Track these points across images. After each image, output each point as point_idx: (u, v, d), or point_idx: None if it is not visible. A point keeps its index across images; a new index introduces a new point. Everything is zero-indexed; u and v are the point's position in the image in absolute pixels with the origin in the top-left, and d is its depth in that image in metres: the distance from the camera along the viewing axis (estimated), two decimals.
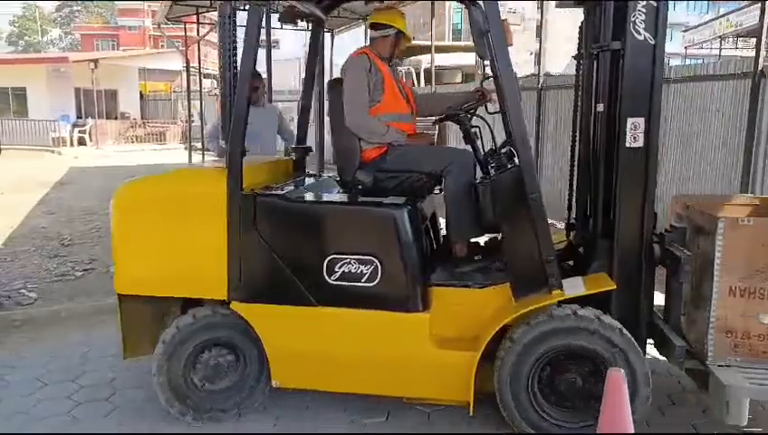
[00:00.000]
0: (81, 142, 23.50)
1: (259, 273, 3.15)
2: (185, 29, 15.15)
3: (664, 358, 3.24)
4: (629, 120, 3.05)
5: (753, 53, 5.96)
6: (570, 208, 3.73)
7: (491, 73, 3.14)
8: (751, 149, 5.61)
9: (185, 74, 18.20)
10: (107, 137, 24.46)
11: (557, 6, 3.72)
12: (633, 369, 2.88)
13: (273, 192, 3.23)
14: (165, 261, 3.18)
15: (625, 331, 2.93)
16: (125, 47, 47.05)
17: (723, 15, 22.83)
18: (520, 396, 3.02)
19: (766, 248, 2.84)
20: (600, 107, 3.25)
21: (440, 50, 14.81)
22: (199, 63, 14.89)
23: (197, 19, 13.44)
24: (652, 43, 3.00)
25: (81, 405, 3.49)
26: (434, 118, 4.02)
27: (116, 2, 54.67)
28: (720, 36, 22.57)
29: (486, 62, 3.10)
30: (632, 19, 2.99)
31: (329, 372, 3.21)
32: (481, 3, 3.01)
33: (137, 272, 3.22)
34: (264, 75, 7.14)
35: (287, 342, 3.18)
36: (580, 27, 3.48)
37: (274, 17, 4.54)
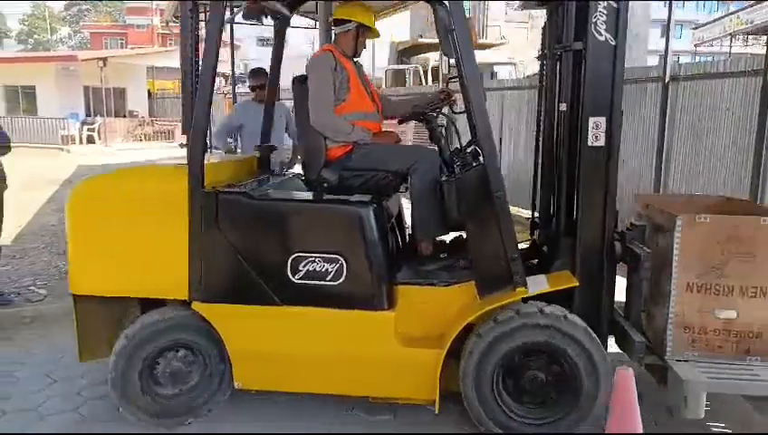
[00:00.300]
0: (90, 140, 23.64)
1: (221, 272, 3.15)
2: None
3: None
4: (591, 120, 3.08)
5: (763, 51, 5.92)
6: (533, 207, 3.77)
7: (456, 73, 3.17)
8: (761, 151, 5.54)
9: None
10: (116, 135, 24.61)
11: (522, 8, 3.77)
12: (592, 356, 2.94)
13: (236, 190, 3.22)
14: (123, 261, 3.16)
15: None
16: (133, 45, 47.11)
17: (733, 13, 22.65)
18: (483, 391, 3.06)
19: (721, 245, 2.88)
20: (563, 106, 3.29)
21: None
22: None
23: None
24: (613, 43, 3.03)
25: (90, 401, 3.52)
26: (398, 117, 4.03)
27: (124, 0, 55.04)
28: (731, 34, 22.38)
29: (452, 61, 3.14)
30: (593, 20, 3.02)
31: (293, 372, 3.21)
32: (447, 2, 3.04)
33: (93, 272, 3.20)
34: None
35: (250, 342, 3.17)
36: (544, 27, 3.52)
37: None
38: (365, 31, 3.59)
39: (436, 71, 14.10)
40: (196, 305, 3.15)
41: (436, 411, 3.10)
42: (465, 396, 3.06)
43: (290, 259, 3.11)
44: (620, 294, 3.27)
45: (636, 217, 3.44)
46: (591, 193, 3.12)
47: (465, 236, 3.29)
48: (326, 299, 3.12)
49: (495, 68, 19.94)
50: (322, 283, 3.10)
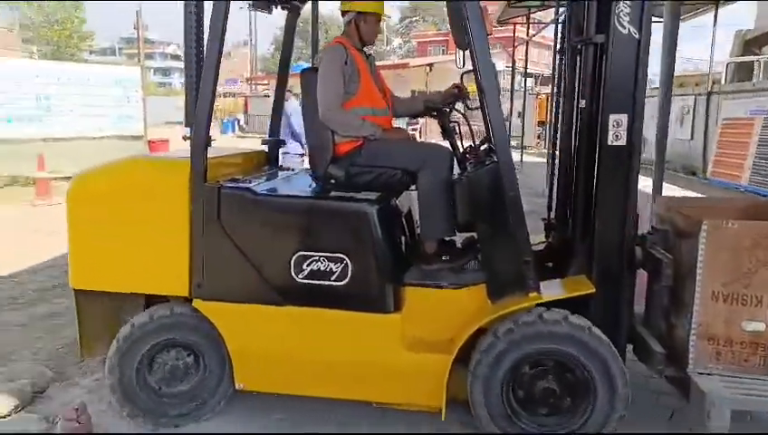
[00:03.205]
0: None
1: (223, 269, 3.04)
2: (514, 30, 16.52)
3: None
4: (612, 117, 2.91)
5: None
6: (549, 208, 3.61)
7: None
8: None
9: (506, 75, 19.97)
10: (434, 133, 25.65)
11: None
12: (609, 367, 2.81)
13: (240, 184, 3.11)
14: (123, 255, 3.07)
15: None
16: (452, 51, 50.28)
17: None
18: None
19: (749, 253, 2.70)
20: (583, 103, 3.13)
21: None
22: (526, 63, 16.03)
23: (528, 20, 14.87)
24: (637, 37, 2.87)
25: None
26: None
27: None
28: None
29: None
30: (617, 12, 2.86)
31: (295, 374, 3.10)
32: None
33: (94, 266, 3.12)
34: None
35: (252, 342, 3.07)
36: (564, 20, 3.37)
37: None
38: (367, 19, 3.39)
39: None
40: (196, 303, 3.06)
41: (443, 419, 2.96)
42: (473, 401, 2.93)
43: (293, 258, 2.99)
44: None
45: (657, 220, 3.26)
46: (611, 195, 2.95)
47: (476, 237, 3.15)
48: (330, 300, 3.00)
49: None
50: (327, 283, 2.99)
